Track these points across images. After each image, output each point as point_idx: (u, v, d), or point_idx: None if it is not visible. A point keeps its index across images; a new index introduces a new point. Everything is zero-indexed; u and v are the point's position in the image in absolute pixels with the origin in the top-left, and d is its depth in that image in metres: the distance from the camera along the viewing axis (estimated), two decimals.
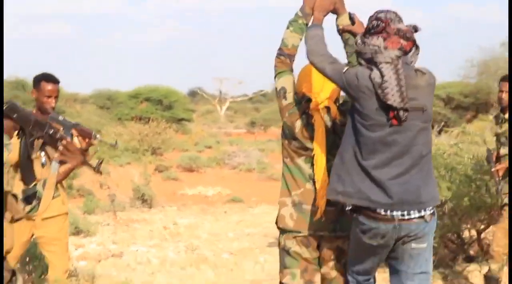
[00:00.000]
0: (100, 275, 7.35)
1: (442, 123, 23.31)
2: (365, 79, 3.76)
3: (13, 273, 3.47)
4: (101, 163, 3.78)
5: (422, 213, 3.82)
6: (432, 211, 3.87)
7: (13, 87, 30.54)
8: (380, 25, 3.81)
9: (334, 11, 4.32)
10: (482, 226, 7.72)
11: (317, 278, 4.30)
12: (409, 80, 3.75)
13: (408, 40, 3.79)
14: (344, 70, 3.84)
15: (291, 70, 4.28)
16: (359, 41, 3.89)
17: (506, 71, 10.02)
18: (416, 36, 3.87)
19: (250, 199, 15.49)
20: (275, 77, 4.29)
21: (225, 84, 54.36)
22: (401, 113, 3.69)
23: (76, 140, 3.76)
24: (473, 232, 8.00)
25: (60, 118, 4.02)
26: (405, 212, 3.79)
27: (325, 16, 4.27)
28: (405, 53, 3.79)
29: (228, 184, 18.60)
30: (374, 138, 3.76)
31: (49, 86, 5.33)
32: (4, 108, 3.42)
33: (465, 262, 7.60)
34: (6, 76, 38.85)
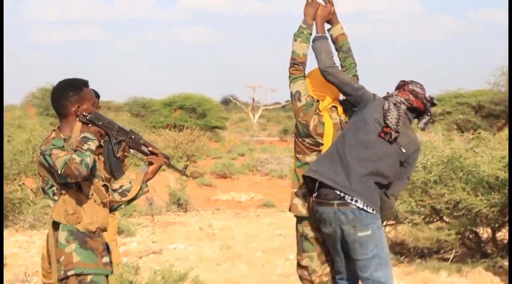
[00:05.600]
0: (142, 268, 7.99)
1: (472, 131, 23.41)
2: (380, 101, 4.69)
3: (107, 245, 4.10)
4: (186, 167, 4.31)
5: (365, 207, 4.53)
6: (371, 210, 4.56)
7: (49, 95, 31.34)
8: (401, 84, 4.80)
9: (329, 22, 5.05)
10: (497, 225, 8.23)
11: (329, 257, 4.92)
12: (405, 127, 4.66)
13: (417, 97, 4.70)
14: (364, 89, 4.77)
15: (304, 76, 4.96)
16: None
17: None
18: (432, 110, 4.83)
19: (282, 204, 15.96)
20: (290, 83, 4.95)
21: (258, 92, 54.54)
22: (392, 133, 4.55)
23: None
24: (489, 230, 8.49)
25: None
26: (342, 195, 4.53)
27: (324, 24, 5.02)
28: (411, 105, 4.70)
29: (261, 190, 19.15)
30: (358, 138, 4.59)
31: None
32: (89, 116, 3.98)
33: (482, 259, 8.09)
34: (42, 84, 39.59)
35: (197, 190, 18.51)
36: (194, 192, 17.34)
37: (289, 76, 4.96)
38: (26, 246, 9.79)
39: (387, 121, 4.57)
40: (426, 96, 4.75)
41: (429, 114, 4.76)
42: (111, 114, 37.97)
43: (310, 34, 4.97)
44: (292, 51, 4.94)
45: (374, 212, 4.56)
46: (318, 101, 4.89)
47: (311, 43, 4.94)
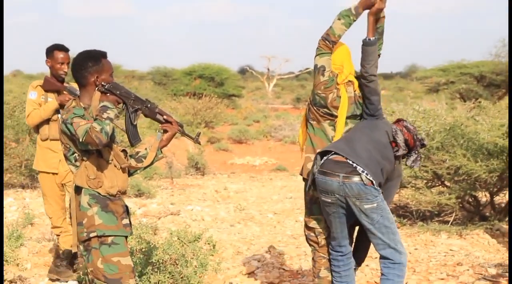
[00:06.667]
0: (160, 228, 8.47)
1: (473, 100, 23.74)
2: (389, 122, 5.12)
3: (126, 208, 4.27)
4: (199, 135, 4.45)
5: (371, 178, 4.67)
6: (372, 181, 4.69)
7: None
8: (397, 120, 5.14)
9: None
10: (495, 189, 8.58)
11: None
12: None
13: (409, 131, 5.02)
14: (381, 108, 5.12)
15: (331, 53, 5.01)
16: None
17: None
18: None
19: (294, 168, 16.28)
20: (316, 55, 5.02)
21: (273, 62, 55.06)
22: (400, 150, 4.92)
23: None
24: (487, 195, 8.85)
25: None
26: (355, 165, 4.68)
27: None
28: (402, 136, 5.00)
29: (274, 154, 19.62)
30: (370, 132, 4.93)
31: (61, 54, 6.13)
32: (107, 86, 4.11)
33: (480, 222, 8.41)
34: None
35: (214, 155, 19.00)
36: (211, 157, 17.83)
37: (318, 48, 5.01)
38: None
39: (397, 139, 4.90)
40: (418, 136, 5.02)
41: (417, 152, 5.01)
42: (135, 83, 38.62)
43: (354, 21, 4.95)
44: (330, 27, 4.96)
45: (378, 187, 4.70)
46: (337, 75, 5.02)
47: (363, 44, 4.96)
